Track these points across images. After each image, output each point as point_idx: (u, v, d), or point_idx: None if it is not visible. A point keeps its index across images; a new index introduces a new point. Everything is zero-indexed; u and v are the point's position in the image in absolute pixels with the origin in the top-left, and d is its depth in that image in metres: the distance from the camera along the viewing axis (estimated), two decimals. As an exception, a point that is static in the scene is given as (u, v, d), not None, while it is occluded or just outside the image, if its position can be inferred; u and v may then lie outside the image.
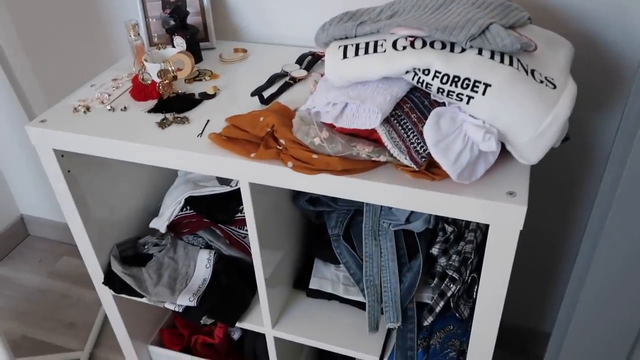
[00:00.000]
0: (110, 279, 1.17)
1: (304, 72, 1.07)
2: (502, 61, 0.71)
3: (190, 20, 1.17)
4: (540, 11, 1.00)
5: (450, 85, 0.71)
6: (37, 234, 2.04)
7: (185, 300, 1.11)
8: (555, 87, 0.72)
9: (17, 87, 1.43)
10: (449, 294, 0.96)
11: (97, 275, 1.19)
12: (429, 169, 0.77)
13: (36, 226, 2.02)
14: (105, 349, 1.61)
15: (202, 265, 1.18)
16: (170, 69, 1.00)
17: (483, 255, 0.81)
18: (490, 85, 0.70)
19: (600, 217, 0.87)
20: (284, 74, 1.07)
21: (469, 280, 0.96)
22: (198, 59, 1.16)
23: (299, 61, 1.11)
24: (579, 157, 1.16)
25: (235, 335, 1.42)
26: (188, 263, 1.19)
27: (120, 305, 1.25)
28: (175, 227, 1.20)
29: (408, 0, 0.83)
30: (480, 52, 0.72)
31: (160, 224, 1.19)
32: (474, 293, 0.96)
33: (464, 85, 0.71)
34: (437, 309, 0.97)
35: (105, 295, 1.22)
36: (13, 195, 1.96)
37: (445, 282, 0.96)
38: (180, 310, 1.12)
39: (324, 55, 0.84)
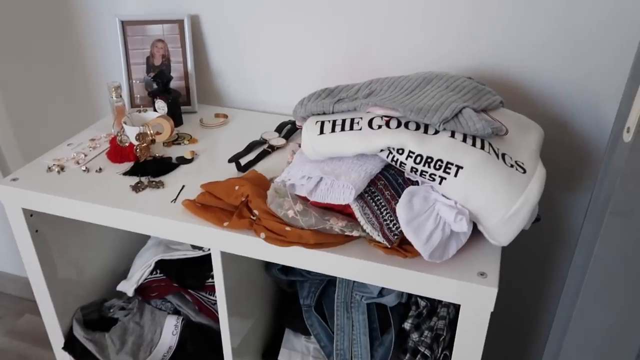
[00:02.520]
0: (71, 344, 1.12)
1: (282, 141, 1.08)
2: (474, 144, 0.73)
3: (173, 84, 1.19)
4: (512, 94, 1.04)
5: (424, 165, 0.73)
6: (0, 288, 1.96)
7: (149, 369, 1.07)
8: (525, 171, 0.74)
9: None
10: (420, 372, 0.93)
11: (57, 338, 1.14)
12: (402, 246, 0.77)
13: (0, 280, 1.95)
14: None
15: (169, 332, 1.14)
16: (149, 132, 1.01)
17: (455, 331, 0.80)
18: (462, 168, 0.72)
19: (571, 299, 0.88)
20: (262, 142, 1.08)
21: (441, 358, 0.94)
22: (178, 122, 1.16)
23: (279, 129, 1.13)
24: (549, 237, 1.18)
25: (200, 406, 1.36)
26: (154, 329, 1.15)
27: (80, 372, 1.19)
28: (143, 290, 1.17)
29: (385, 80, 0.86)
30: (453, 134, 0.74)
31: (128, 287, 1.16)
32: (446, 371, 0.94)
33: (437, 166, 0.72)
34: (409, 387, 0.95)
35: (65, 360, 1.17)
36: (-22, 248, 1.90)
37: (417, 358, 0.94)
38: (143, 380, 1.08)
39: (300, 127, 0.85)
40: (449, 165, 0.72)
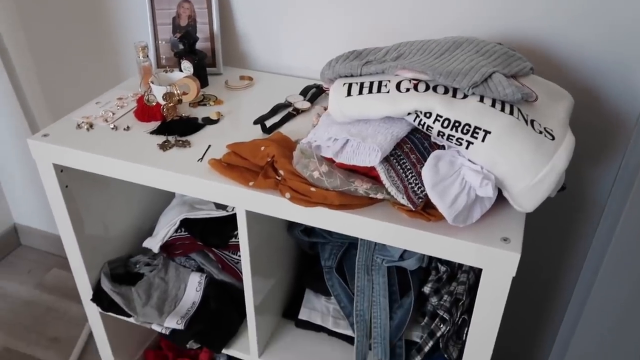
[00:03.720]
0: (99, 296, 1.16)
1: (307, 104, 1.08)
2: (502, 110, 0.73)
3: (199, 45, 1.19)
4: (542, 62, 1.02)
5: (451, 129, 0.73)
6: (29, 244, 2.03)
7: (173, 322, 1.10)
8: (553, 138, 0.74)
9: (22, 98, 1.44)
10: (438, 334, 0.95)
11: (85, 291, 1.18)
12: (425, 210, 0.78)
13: (28, 236, 2.01)
14: (87, 365, 1.59)
15: (193, 288, 1.17)
16: (175, 92, 1.02)
17: (475, 297, 0.81)
18: (489, 132, 0.71)
19: (593, 268, 0.88)
20: (287, 105, 1.08)
21: (460, 322, 0.96)
22: (204, 83, 1.17)
23: (304, 93, 1.13)
24: (574, 207, 1.17)
25: (221, 361, 1.41)
26: (178, 285, 1.18)
27: (107, 323, 1.24)
28: (168, 248, 1.20)
29: (414, 44, 0.85)
30: (481, 99, 0.74)
31: (153, 244, 1.19)
32: (464, 335, 0.96)
33: (464, 131, 0.72)
34: (426, 349, 0.97)
35: (92, 312, 1.21)
36: (7, 204, 1.96)
37: (436, 321, 0.96)
38: (167, 333, 1.11)
39: (328, 89, 0.85)
40: (477, 130, 0.72)
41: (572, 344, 0.95)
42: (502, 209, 0.79)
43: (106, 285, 1.15)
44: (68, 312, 1.75)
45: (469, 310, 0.94)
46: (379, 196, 0.79)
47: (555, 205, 1.15)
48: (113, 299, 1.14)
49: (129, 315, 1.13)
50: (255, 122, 1.03)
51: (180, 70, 1.12)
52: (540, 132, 0.73)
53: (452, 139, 0.74)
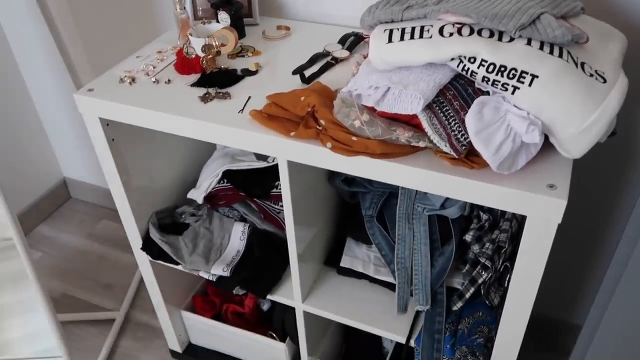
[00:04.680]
0: (148, 245, 1.21)
1: (346, 53, 1.06)
2: (551, 52, 0.70)
3: (235, -5, 1.17)
4: (593, 1, 0.97)
5: (496, 74, 0.70)
6: (79, 196, 2.11)
7: (219, 270, 1.15)
8: (605, 81, 0.71)
9: (65, 55, 1.46)
10: (480, 281, 0.96)
11: (135, 240, 1.23)
12: (468, 157, 0.77)
13: (78, 189, 2.09)
14: (140, 310, 1.67)
15: (237, 237, 1.21)
16: (214, 44, 1.01)
17: (517, 245, 0.81)
18: (537, 77, 0.69)
19: (641, 215, 0.86)
20: (325, 54, 1.07)
21: (502, 269, 0.96)
22: (241, 34, 1.16)
23: (342, 41, 1.11)
24: (624, 153, 1.13)
25: (265, 307, 1.46)
26: (223, 234, 1.22)
27: (156, 271, 1.29)
28: (211, 198, 1.23)
29: (457, -15, 0.82)
30: (529, 42, 0.71)
31: (197, 195, 1.22)
32: (506, 282, 0.96)
33: (510, 76, 0.70)
34: (467, 295, 0.98)
35: (143, 260, 1.27)
36: (57, 159, 2.03)
37: (477, 269, 0.97)
38: (214, 280, 1.16)
39: (367, 37, 0.84)
40: (524, 74, 0.70)
41: (618, 289, 0.94)
42: (548, 156, 0.77)
43: (154, 235, 1.20)
44: (119, 260, 1.84)
45: (511, 258, 0.94)
46: (421, 144, 0.79)
47: (603, 150, 1.12)
48: (162, 248, 1.19)
49: (177, 263, 1.18)
50: (294, 72, 1.02)
51: (218, 22, 1.12)
52: (591, 75, 0.70)
53: (497, 85, 0.72)
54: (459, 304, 0.99)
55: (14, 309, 1.29)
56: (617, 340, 1.00)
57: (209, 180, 1.21)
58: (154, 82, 1.03)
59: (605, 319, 0.98)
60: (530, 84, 0.70)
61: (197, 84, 1.01)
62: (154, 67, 1.08)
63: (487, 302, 0.98)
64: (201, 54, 1.03)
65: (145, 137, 1.14)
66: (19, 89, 1.81)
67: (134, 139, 1.12)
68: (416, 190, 1.05)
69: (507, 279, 0.95)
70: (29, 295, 1.23)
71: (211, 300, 1.46)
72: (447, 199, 1.00)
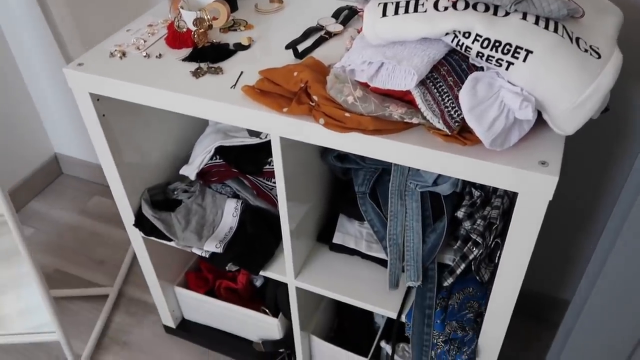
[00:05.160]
0: (141, 222, 1.21)
1: (339, 27, 1.05)
2: (546, 27, 0.69)
3: (227, -33, 1.15)
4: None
5: (491, 50, 0.70)
6: (70, 172, 2.10)
7: (212, 246, 1.15)
8: (599, 56, 0.70)
9: (54, 29, 1.44)
10: (471, 257, 0.97)
11: (128, 216, 1.23)
12: (461, 134, 0.76)
13: (69, 165, 2.08)
14: (133, 286, 1.68)
15: (229, 214, 1.21)
16: (206, 17, 1.00)
17: (508, 221, 0.81)
18: (532, 52, 0.69)
19: (633, 192, 0.86)
20: (319, 28, 1.06)
21: (492, 245, 0.97)
22: (233, 8, 1.14)
23: (335, 15, 1.09)
24: (616, 130, 1.13)
25: (258, 283, 1.47)
26: (215, 211, 1.22)
27: (149, 247, 1.29)
28: (204, 175, 1.23)
29: (453, -42, 0.80)
30: (524, 16, 0.70)
31: (190, 171, 1.22)
32: (496, 258, 0.97)
33: (505, 51, 0.69)
34: (458, 271, 0.99)
35: (135, 236, 1.27)
36: (48, 134, 2.01)
37: (468, 245, 0.97)
38: (207, 256, 1.16)
39: (362, 11, 0.82)
40: (518, 50, 0.69)
41: (607, 265, 0.95)
42: (541, 133, 0.77)
43: (147, 211, 1.20)
44: (112, 236, 1.84)
45: (502, 234, 0.95)
46: (414, 121, 0.78)
47: (596, 128, 1.12)
48: (154, 224, 1.19)
49: (169, 240, 1.18)
50: (287, 47, 1.01)
51: (209, -5, 1.10)
52: (586, 51, 0.70)
53: (491, 60, 0.71)
54: (450, 280, 1.00)
55: (7, 284, 1.29)
56: (604, 314, 1.02)
57: (201, 156, 1.21)
58: (145, 56, 1.02)
59: (593, 293, 0.99)
60: (524, 60, 0.69)
61: (188, 58, 1.00)
62: (145, 41, 1.06)
63: (477, 278, 0.99)
64: (193, 28, 1.01)
65: (136, 113, 1.13)
66: (8, 64, 1.78)
67: (125, 115, 1.11)
68: (409, 167, 1.05)
69: (498, 255, 0.96)
70: (21, 271, 1.23)
71: (204, 276, 1.47)
72: (439, 175, 1.00)
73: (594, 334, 1.07)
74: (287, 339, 1.35)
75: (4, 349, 1.51)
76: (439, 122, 0.75)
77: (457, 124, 0.74)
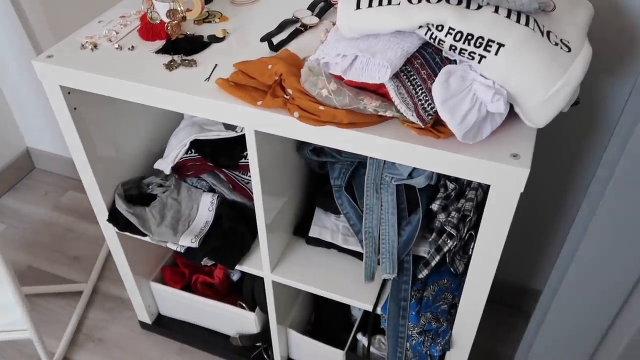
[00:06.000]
0: (115, 217, 1.19)
1: (315, 20, 1.05)
2: (518, 21, 0.70)
3: (201, -42, 1.13)
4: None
5: (464, 43, 0.70)
6: (43, 167, 2.06)
7: (188, 241, 1.14)
8: (570, 50, 0.71)
9: (24, 20, 1.41)
10: (445, 250, 0.98)
11: (101, 212, 1.21)
12: (435, 127, 0.77)
13: (42, 160, 2.04)
14: (108, 282, 1.66)
15: (205, 209, 1.20)
16: (179, 9, 0.98)
17: (482, 214, 0.82)
18: (503, 46, 0.69)
19: (602, 184, 0.88)
20: (295, 20, 1.05)
21: (467, 238, 0.98)
22: (208, 0, 1.13)
23: (312, 7, 1.09)
24: (586, 122, 1.15)
25: (235, 277, 1.46)
26: (191, 205, 1.20)
27: (124, 243, 1.28)
28: (179, 169, 1.22)
29: (427, -49, 0.80)
30: (497, 10, 0.71)
31: (165, 165, 1.20)
32: (470, 250, 0.98)
33: (477, 44, 0.70)
34: (433, 264, 1.00)
35: (109, 232, 1.25)
36: (19, 128, 1.97)
37: (443, 237, 0.98)
38: (182, 251, 1.15)
39: (337, 3, 0.82)
40: (490, 43, 0.70)
41: (577, 255, 0.97)
42: (513, 126, 0.78)
43: (121, 207, 1.18)
44: (86, 232, 1.81)
45: (476, 226, 0.96)
46: (389, 114, 0.78)
47: (566, 121, 1.14)
48: (128, 219, 1.17)
49: (144, 235, 1.17)
50: (262, 40, 1.00)
51: (183, -14, 1.08)
52: (557, 44, 0.71)
53: (464, 53, 0.72)
54: (425, 272, 1.01)
55: (-23, 282, 1.27)
56: (573, 305, 1.04)
57: (176, 150, 1.19)
58: (117, 48, 1.00)
59: (563, 285, 1.01)
60: (496, 53, 0.70)
61: (162, 51, 0.98)
62: (117, 33, 1.04)
63: (452, 269, 1.00)
64: (166, 20, 1.00)
65: (109, 106, 1.11)
66: (-24, 55, 1.74)
67: (98, 108, 1.09)
68: (385, 160, 1.05)
69: (472, 247, 0.97)
70: (-8, 268, 1.21)
71: (181, 271, 1.46)
72: (414, 168, 1.00)
73: (564, 325, 1.09)
74: (265, 333, 1.35)
75: (-24, 347, 1.48)
76: (412, 116, 0.75)
77: (430, 117, 0.75)
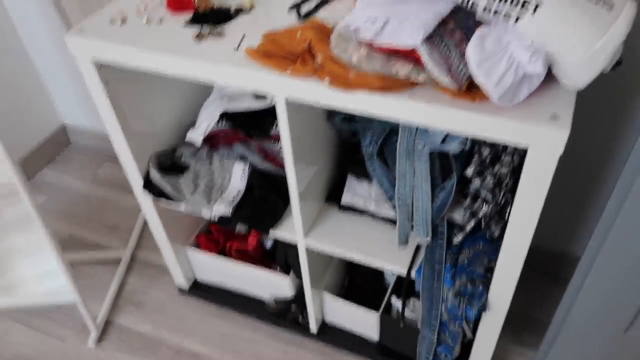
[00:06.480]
0: (149, 185, 1.22)
1: (343, -16, 1.02)
2: (556, -23, 0.67)
3: None
4: None
5: (499, 3, 0.68)
6: (79, 142, 2.10)
7: (221, 209, 1.16)
8: (612, 7, 0.68)
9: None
10: (480, 214, 0.97)
11: (136, 182, 1.24)
12: (470, 90, 0.75)
13: (77, 135, 2.08)
14: (146, 250, 1.71)
15: (237, 177, 1.21)
16: (206, -22, 0.98)
17: (518, 178, 0.81)
18: (541, 4, 0.67)
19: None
20: (322, -14, 1.03)
21: (502, 202, 0.97)
22: (233, -34, 1.11)
23: (338, -29, 1.06)
24: (628, 84, 1.11)
25: (268, 244, 1.49)
26: (223, 175, 1.22)
27: (159, 211, 1.31)
28: (211, 139, 1.23)
29: None
30: (534, -34, 0.68)
31: (196, 136, 1.21)
32: (506, 215, 0.97)
33: (514, 4, 0.67)
34: (468, 228, 0.99)
35: (145, 201, 1.28)
36: (54, 104, 2.01)
37: (478, 202, 0.97)
38: (216, 219, 1.17)
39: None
40: (526, 3, 0.67)
41: (618, 220, 0.95)
42: (551, 87, 0.76)
43: (155, 176, 1.20)
44: (123, 203, 1.86)
45: (512, 191, 0.94)
46: (421, 78, 0.77)
47: (607, 82, 1.10)
48: (162, 188, 1.19)
49: (178, 203, 1.19)
50: (291, 9, 0.98)
51: (208, -46, 1.07)
52: (597, 2, 0.68)
53: (499, 14, 0.69)
54: (460, 237, 1.01)
55: (23, 250, 1.32)
56: (613, 271, 1.03)
57: (207, 122, 1.20)
58: (146, 21, 1.00)
59: (604, 248, 0.99)
60: (533, 12, 0.67)
61: (190, 22, 0.98)
62: (146, 6, 1.04)
63: (487, 235, 0.99)
64: (193, -10, 0.99)
65: (140, 79, 1.12)
66: (9, 33, 1.76)
67: (129, 81, 1.10)
68: (417, 127, 1.04)
69: (508, 212, 0.96)
70: (36, 237, 1.26)
71: (215, 239, 1.49)
72: (447, 134, 0.99)
73: (603, 292, 1.07)
74: (299, 297, 1.38)
75: (26, 311, 1.55)
76: (446, 78, 0.74)
77: (464, 80, 0.73)
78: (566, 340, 1.20)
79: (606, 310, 1.11)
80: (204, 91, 1.29)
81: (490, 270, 1.00)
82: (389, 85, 0.78)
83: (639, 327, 1.14)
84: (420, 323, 1.12)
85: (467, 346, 1.22)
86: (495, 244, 1.02)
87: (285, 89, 0.86)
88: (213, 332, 1.49)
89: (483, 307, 1.00)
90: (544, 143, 0.73)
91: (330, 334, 1.41)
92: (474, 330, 1.12)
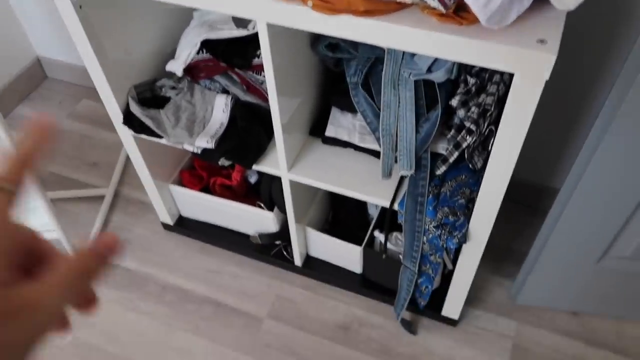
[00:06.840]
0: (130, 120, 1.19)
1: None
2: None
3: None
4: None
5: None
6: (55, 76, 2.04)
7: (203, 142, 1.14)
8: None
9: None
10: (464, 145, 0.96)
11: (116, 116, 1.21)
12: (457, 13, 0.73)
13: (54, 68, 2.01)
14: (129, 187, 1.69)
15: (219, 110, 1.19)
16: None
17: (503, 109, 0.80)
18: None
19: (629, 77, 0.84)
20: None
21: (486, 133, 0.96)
22: None
23: None
24: (617, 10, 1.09)
25: (252, 179, 1.48)
26: (205, 107, 1.19)
27: (141, 146, 1.28)
28: (191, 70, 1.19)
29: None
30: None
31: (176, 66, 1.18)
32: (490, 145, 0.97)
33: None
34: (451, 160, 0.99)
35: (126, 135, 1.25)
36: (28, 36, 1.92)
37: (462, 133, 0.97)
38: (198, 152, 1.16)
39: None
40: None
41: (593, 158, 0.95)
42: (540, 10, 0.74)
43: (135, 109, 1.17)
44: (103, 139, 1.83)
45: (496, 122, 0.94)
46: (408, 0, 0.74)
47: (597, 9, 1.07)
48: (143, 122, 1.17)
49: (160, 137, 1.17)
50: None
51: None
52: None
53: None
54: (443, 168, 1.01)
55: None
56: (592, 199, 1.04)
57: (187, 50, 1.16)
58: (119, -62, 0.94)
59: (583, 179, 1.00)
60: None
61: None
62: None
63: (470, 165, 0.99)
64: None
65: (116, 4, 1.07)
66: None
67: (104, 5, 1.05)
68: (402, 55, 1.01)
69: (491, 142, 0.95)
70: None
71: (198, 174, 1.48)
72: (433, 63, 0.97)
73: (580, 221, 1.10)
74: (283, 232, 1.39)
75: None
76: (433, 1, 0.71)
77: (452, 1, 0.70)
78: (542, 270, 1.24)
79: (581, 241, 1.14)
80: (184, 18, 1.24)
81: (471, 201, 1.01)
82: (375, 7, 0.76)
83: (611, 258, 1.18)
84: (402, 255, 1.14)
85: (447, 277, 1.25)
86: (478, 175, 1.03)
87: (267, 13, 0.83)
88: (198, 267, 1.50)
89: (463, 238, 1.02)
90: (530, 68, 0.72)
91: (314, 267, 1.44)
92: (454, 261, 1.15)
